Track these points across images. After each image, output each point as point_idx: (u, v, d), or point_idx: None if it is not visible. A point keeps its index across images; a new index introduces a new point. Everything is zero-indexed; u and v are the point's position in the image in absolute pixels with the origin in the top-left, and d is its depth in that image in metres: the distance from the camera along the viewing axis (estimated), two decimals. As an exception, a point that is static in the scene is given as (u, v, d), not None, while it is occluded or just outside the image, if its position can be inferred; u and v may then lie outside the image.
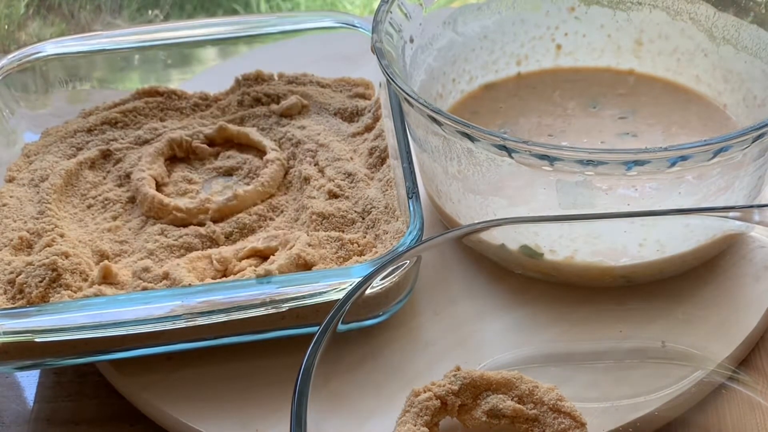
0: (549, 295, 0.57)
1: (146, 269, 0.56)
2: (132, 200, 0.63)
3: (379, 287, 0.51)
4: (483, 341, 0.55)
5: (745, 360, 0.55)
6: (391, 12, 0.62)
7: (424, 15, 0.65)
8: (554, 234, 0.55)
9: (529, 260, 0.56)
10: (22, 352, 0.52)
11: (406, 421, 0.48)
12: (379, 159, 0.63)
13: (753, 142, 0.52)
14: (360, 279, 0.49)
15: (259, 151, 0.66)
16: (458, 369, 0.50)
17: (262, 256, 0.58)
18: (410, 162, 0.57)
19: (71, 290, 0.55)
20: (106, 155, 0.66)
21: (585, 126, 0.66)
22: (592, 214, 0.54)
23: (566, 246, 0.55)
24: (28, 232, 0.59)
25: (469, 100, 0.69)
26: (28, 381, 0.58)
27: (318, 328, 0.46)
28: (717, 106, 0.67)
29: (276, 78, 0.72)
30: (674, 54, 0.69)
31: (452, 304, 0.58)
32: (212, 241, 0.59)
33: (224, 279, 0.56)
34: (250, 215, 0.61)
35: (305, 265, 0.55)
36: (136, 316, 0.51)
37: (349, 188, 0.61)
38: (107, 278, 0.56)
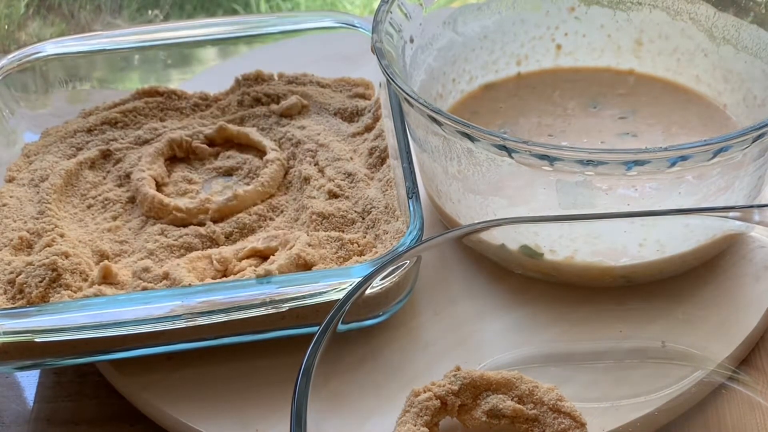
0: (549, 295, 0.57)
1: (146, 269, 0.56)
2: (132, 200, 0.63)
3: (379, 287, 0.51)
4: (483, 341, 0.55)
5: (745, 360, 0.55)
6: (391, 12, 0.62)
7: (424, 15, 0.65)
8: (554, 234, 0.55)
9: (529, 260, 0.56)
10: (22, 352, 0.52)
11: (406, 421, 0.48)
12: (379, 159, 0.63)
13: (753, 142, 0.52)
14: (360, 279, 0.49)
15: (259, 151, 0.66)
16: (458, 369, 0.50)
17: (262, 256, 0.58)
18: (410, 162, 0.57)
19: (71, 290, 0.55)
20: (106, 155, 0.66)
21: (585, 126, 0.66)
22: (592, 214, 0.54)
23: (566, 246, 0.55)
24: (28, 232, 0.59)
25: (469, 100, 0.69)
26: (28, 381, 0.58)
27: (318, 328, 0.46)
28: (717, 106, 0.67)
29: (276, 78, 0.72)
30: (674, 54, 0.69)
31: (452, 304, 0.58)
32: (212, 241, 0.59)
33: (224, 279, 0.56)
34: (250, 215, 0.61)
35: (305, 265, 0.55)
36: (136, 316, 0.51)
37: (349, 188, 0.61)
38: (107, 278, 0.56)
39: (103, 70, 0.73)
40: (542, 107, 0.68)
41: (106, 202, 0.63)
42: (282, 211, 0.62)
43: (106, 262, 0.56)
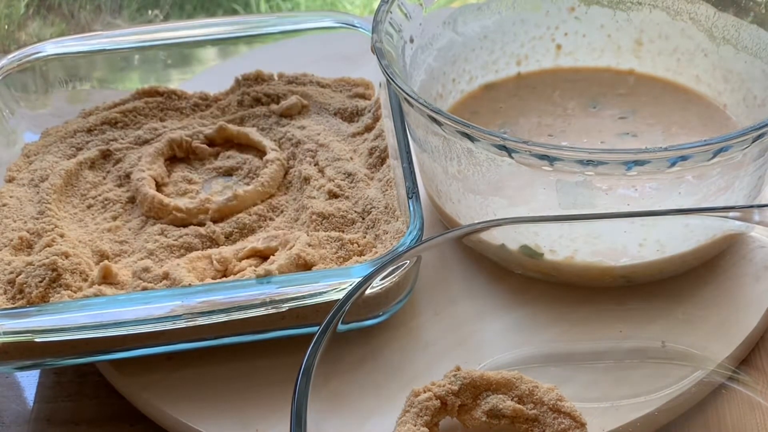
0: (549, 295, 0.57)
1: (146, 269, 0.56)
2: (132, 200, 0.63)
3: (379, 287, 0.51)
4: (483, 341, 0.55)
5: (745, 360, 0.55)
6: (391, 12, 0.62)
7: (424, 15, 0.65)
8: (554, 234, 0.55)
9: (529, 260, 0.56)
10: (22, 352, 0.52)
11: (406, 421, 0.48)
12: (379, 159, 0.63)
13: (753, 142, 0.52)
14: (360, 279, 0.49)
15: (259, 151, 0.66)
16: (458, 369, 0.50)
17: (262, 256, 0.58)
18: (410, 162, 0.57)
19: (71, 290, 0.55)
20: (106, 155, 0.66)
21: (585, 126, 0.66)
22: (592, 214, 0.54)
23: (566, 246, 0.55)
24: (28, 232, 0.59)
25: (469, 100, 0.69)
26: (28, 381, 0.58)
27: (318, 328, 0.46)
28: (717, 106, 0.67)
29: (276, 78, 0.72)
30: (674, 54, 0.69)
31: (452, 304, 0.58)
32: (212, 241, 0.59)
33: (224, 279, 0.56)
34: (250, 215, 0.61)
35: (305, 265, 0.55)
36: (136, 316, 0.51)
37: (349, 188, 0.61)
38: (107, 278, 0.56)
39: (103, 70, 0.73)
40: (542, 107, 0.68)
41: (106, 202, 0.63)
42: (282, 211, 0.62)
43: (106, 262, 0.56)
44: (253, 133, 0.66)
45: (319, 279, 0.52)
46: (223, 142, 0.67)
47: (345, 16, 0.72)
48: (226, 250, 0.58)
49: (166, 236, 0.59)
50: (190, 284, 0.54)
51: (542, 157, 0.51)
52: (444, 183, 0.59)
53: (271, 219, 0.61)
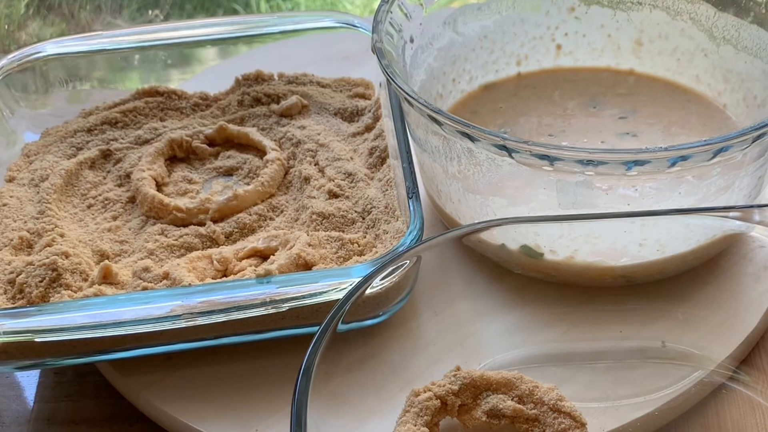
0: (549, 295, 0.57)
1: (146, 269, 0.56)
2: (132, 200, 0.63)
3: (379, 287, 0.51)
4: (483, 341, 0.55)
5: (745, 360, 0.55)
6: (391, 12, 0.62)
7: (424, 15, 0.65)
8: (554, 234, 0.55)
9: (529, 260, 0.56)
10: (22, 352, 0.52)
11: (406, 421, 0.48)
12: (379, 159, 0.63)
13: (753, 142, 0.52)
14: (360, 279, 0.49)
15: (259, 151, 0.66)
16: (458, 369, 0.50)
17: (262, 256, 0.58)
18: (410, 162, 0.57)
19: (71, 290, 0.55)
20: (106, 155, 0.66)
21: (585, 126, 0.66)
22: (592, 214, 0.54)
23: (566, 246, 0.55)
24: (28, 232, 0.59)
25: (469, 100, 0.69)
26: (28, 381, 0.58)
27: (318, 328, 0.46)
28: (717, 106, 0.67)
29: (276, 78, 0.72)
30: (674, 54, 0.69)
31: (452, 304, 0.58)
32: (212, 241, 0.59)
33: (224, 279, 0.56)
34: (250, 215, 0.61)
35: (305, 265, 0.55)
36: (136, 316, 0.51)
37: (349, 188, 0.61)
38: (107, 278, 0.56)
39: (103, 70, 0.73)
40: (542, 107, 0.68)
41: (106, 202, 0.63)
42: (282, 211, 0.62)
43: (106, 261, 0.56)
44: (253, 132, 0.66)
45: (319, 279, 0.52)
46: (223, 142, 0.67)
47: (345, 16, 0.72)
48: (226, 250, 0.58)
49: (166, 236, 0.59)
50: (190, 284, 0.54)
51: (542, 157, 0.51)
52: (444, 183, 0.59)
53: (271, 219, 0.61)
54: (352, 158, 0.64)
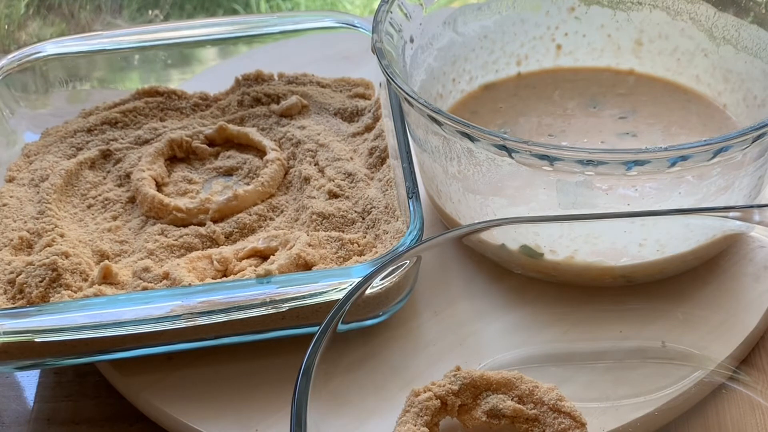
0: (549, 295, 0.57)
1: (146, 269, 0.56)
2: (132, 200, 0.63)
3: (379, 287, 0.51)
4: (483, 341, 0.55)
5: (745, 360, 0.55)
6: (391, 12, 0.62)
7: (424, 15, 0.65)
8: (554, 234, 0.55)
9: (529, 260, 0.56)
10: (22, 352, 0.52)
11: (406, 421, 0.48)
12: (379, 159, 0.63)
13: (753, 142, 0.52)
14: (360, 279, 0.49)
15: (259, 151, 0.66)
16: (458, 369, 0.50)
17: (262, 256, 0.58)
18: (410, 162, 0.57)
19: (71, 290, 0.55)
20: (106, 155, 0.66)
21: (585, 126, 0.66)
22: (592, 214, 0.54)
23: (566, 246, 0.55)
24: (28, 232, 0.59)
25: (469, 100, 0.69)
26: (28, 381, 0.58)
27: (318, 328, 0.46)
28: (717, 106, 0.67)
29: (276, 78, 0.72)
30: (674, 54, 0.69)
31: (452, 304, 0.58)
32: (212, 241, 0.59)
33: (224, 279, 0.56)
34: (250, 215, 0.61)
35: (305, 265, 0.55)
36: (136, 316, 0.51)
37: (349, 188, 0.61)
38: (107, 278, 0.56)
39: (103, 70, 0.73)
40: (542, 107, 0.68)
41: (106, 202, 0.63)
42: (282, 211, 0.62)
43: (106, 262, 0.56)
44: (253, 133, 0.66)
45: (319, 279, 0.52)
46: (223, 142, 0.67)
47: (345, 16, 0.72)
48: (226, 250, 0.58)
49: (166, 236, 0.59)
50: (190, 284, 0.54)
51: (542, 157, 0.51)
52: (444, 183, 0.59)
53: (271, 219, 0.61)
54: (352, 158, 0.64)
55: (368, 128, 0.66)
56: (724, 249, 0.59)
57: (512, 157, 0.52)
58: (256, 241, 0.58)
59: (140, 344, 0.53)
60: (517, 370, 0.50)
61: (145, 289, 0.55)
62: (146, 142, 0.67)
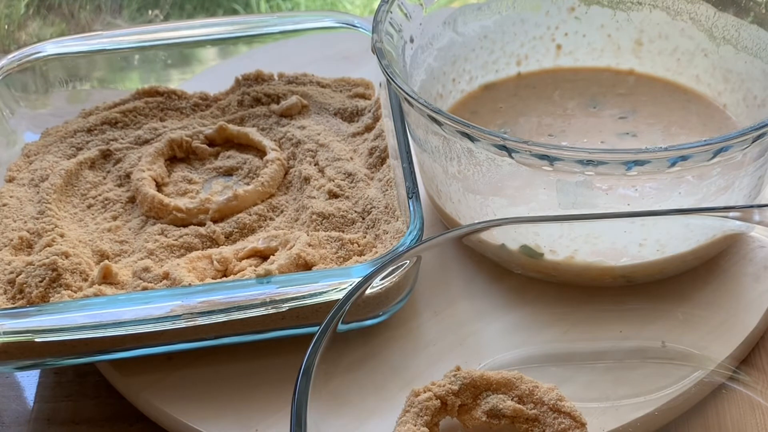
0: (549, 295, 0.57)
1: (146, 269, 0.56)
2: (132, 200, 0.63)
3: (379, 287, 0.51)
4: (483, 341, 0.55)
5: (745, 360, 0.55)
6: (391, 12, 0.62)
7: (424, 15, 0.65)
8: (554, 234, 0.55)
9: (529, 260, 0.56)
10: (22, 352, 0.52)
11: (406, 421, 0.48)
12: (379, 159, 0.63)
13: (753, 142, 0.52)
14: (360, 279, 0.49)
15: (259, 151, 0.66)
16: (458, 369, 0.50)
17: (262, 256, 0.58)
18: (410, 162, 0.57)
19: (71, 290, 0.55)
20: (106, 155, 0.66)
21: (585, 126, 0.66)
22: (592, 214, 0.54)
23: (566, 246, 0.55)
24: (28, 232, 0.59)
25: (469, 100, 0.69)
26: (28, 381, 0.58)
27: (318, 328, 0.46)
28: (717, 106, 0.67)
29: (276, 78, 0.72)
30: (674, 54, 0.69)
31: (452, 304, 0.58)
32: (212, 241, 0.59)
33: (224, 279, 0.56)
34: (250, 215, 0.61)
35: (305, 265, 0.55)
36: (136, 316, 0.51)
37: (349, 188, 0.61)
38: (107, 278, 0.56)
39: (103, 70, 0.73)
40: (542, 107, 0.68)
41: (106, 202, 0.63)
42: (282, 211, 0.62)
43: (106, 261, 0.56)
44: (253, 133, 0.66)
45: (319, 279, 0.52)
46: (223, 142, 0.67)
47: (345, 16, 0.72)
48: (226, 250, 0.58)
49: (166, 236, 0.59)
50: (190, 284, 0.54)
51: (542, 157, 0.51)
52: (444, 183, 0.59)
53: (271, 219, 0.61)
54: (352, 158, 0.64)
55: (368, 128, 0.66)
56: (724, 249, 0.59)
57: (512, 157, 0.52)
58: (256, 241, 0.58)
59: (140, 344, 0.53)
60: (517, 370, 0.50)
61: (145, 289, 0.55)
62: (146, 142, 0.67)
